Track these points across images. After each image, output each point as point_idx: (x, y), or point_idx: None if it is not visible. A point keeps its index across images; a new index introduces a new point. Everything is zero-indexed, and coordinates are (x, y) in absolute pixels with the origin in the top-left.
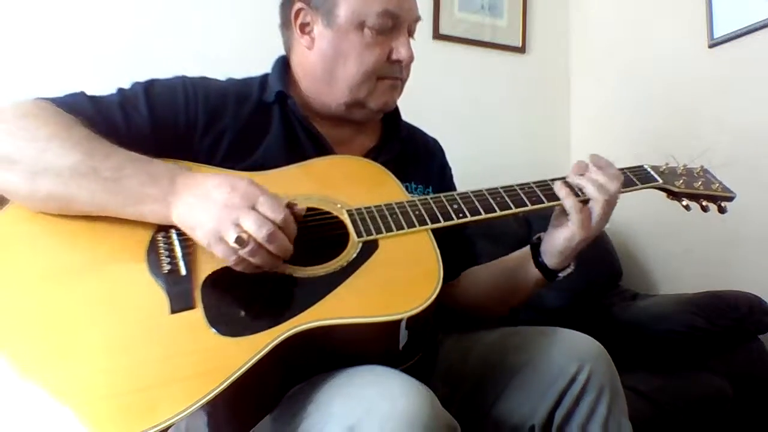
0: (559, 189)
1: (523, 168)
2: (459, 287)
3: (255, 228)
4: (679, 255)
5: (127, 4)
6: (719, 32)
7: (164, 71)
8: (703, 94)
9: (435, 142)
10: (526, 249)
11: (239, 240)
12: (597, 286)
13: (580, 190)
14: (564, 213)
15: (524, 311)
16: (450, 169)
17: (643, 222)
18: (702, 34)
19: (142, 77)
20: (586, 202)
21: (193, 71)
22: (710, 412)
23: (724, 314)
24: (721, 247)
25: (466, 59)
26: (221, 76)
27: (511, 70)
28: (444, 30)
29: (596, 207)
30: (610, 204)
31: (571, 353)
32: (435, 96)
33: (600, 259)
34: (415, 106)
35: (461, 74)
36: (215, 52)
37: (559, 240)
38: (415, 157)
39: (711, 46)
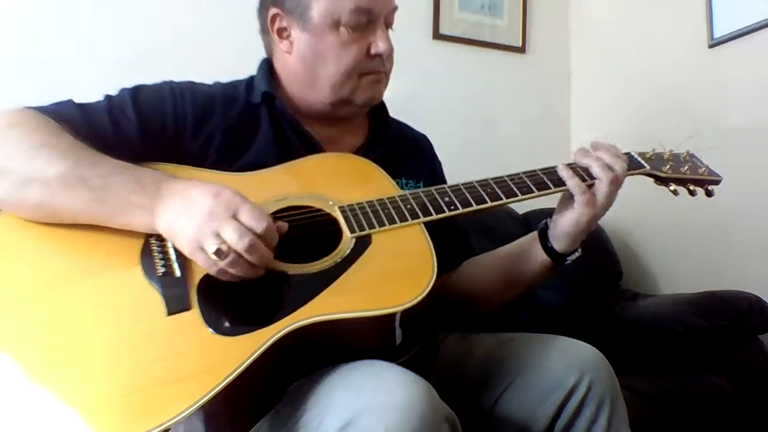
0: (562, 170)
1: (523, 168)
2: (458, 279)
3: (235, 238)
4: (679, 255)
5: (130, 10)
6: (719, 32)
7: (166, 76)
8: (702, 94)
9: (423, 137)
10: (531, 235)
11: (218, 252)
12: (597, 286)
13: (586, 170)
14: (569, 196)
15: (524, 311)
16: (440, 163)
17: (643, 222)
18: (702, 34)
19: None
20: (590, 185)
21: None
22: (710, 412)
23: (724, 314)
24: (721, 247)
25: (466, 59)
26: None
27: (511, 70)
28: (444, 30)
29: (602, 186)
30: (615, 183)
31: (571, 363)
32: (435, 96)
33: (600, 259)
34: (415, 106)
35: (461, 74)
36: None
37: (566, 223)
38: (404, 153)
39: (711, 46)
